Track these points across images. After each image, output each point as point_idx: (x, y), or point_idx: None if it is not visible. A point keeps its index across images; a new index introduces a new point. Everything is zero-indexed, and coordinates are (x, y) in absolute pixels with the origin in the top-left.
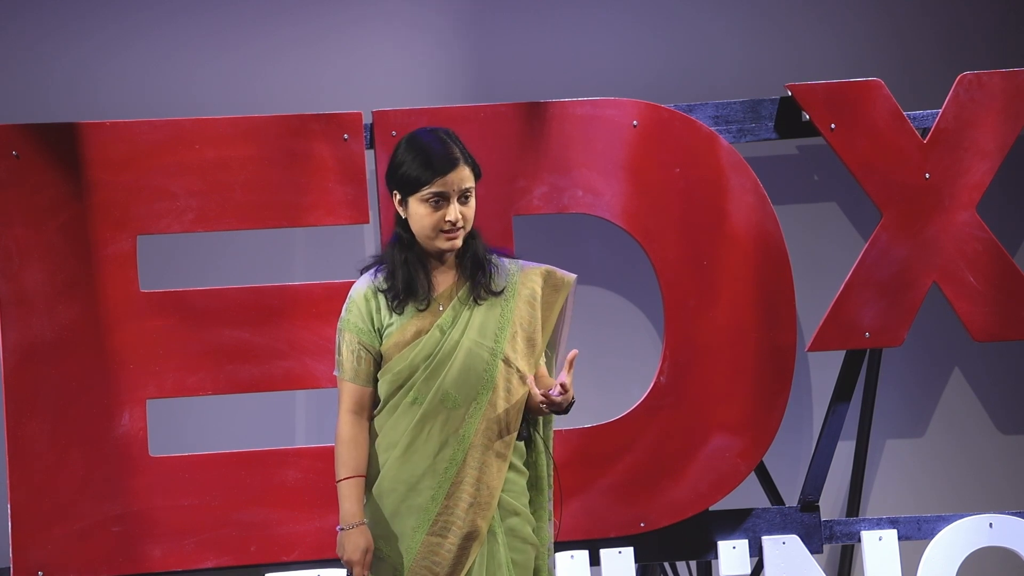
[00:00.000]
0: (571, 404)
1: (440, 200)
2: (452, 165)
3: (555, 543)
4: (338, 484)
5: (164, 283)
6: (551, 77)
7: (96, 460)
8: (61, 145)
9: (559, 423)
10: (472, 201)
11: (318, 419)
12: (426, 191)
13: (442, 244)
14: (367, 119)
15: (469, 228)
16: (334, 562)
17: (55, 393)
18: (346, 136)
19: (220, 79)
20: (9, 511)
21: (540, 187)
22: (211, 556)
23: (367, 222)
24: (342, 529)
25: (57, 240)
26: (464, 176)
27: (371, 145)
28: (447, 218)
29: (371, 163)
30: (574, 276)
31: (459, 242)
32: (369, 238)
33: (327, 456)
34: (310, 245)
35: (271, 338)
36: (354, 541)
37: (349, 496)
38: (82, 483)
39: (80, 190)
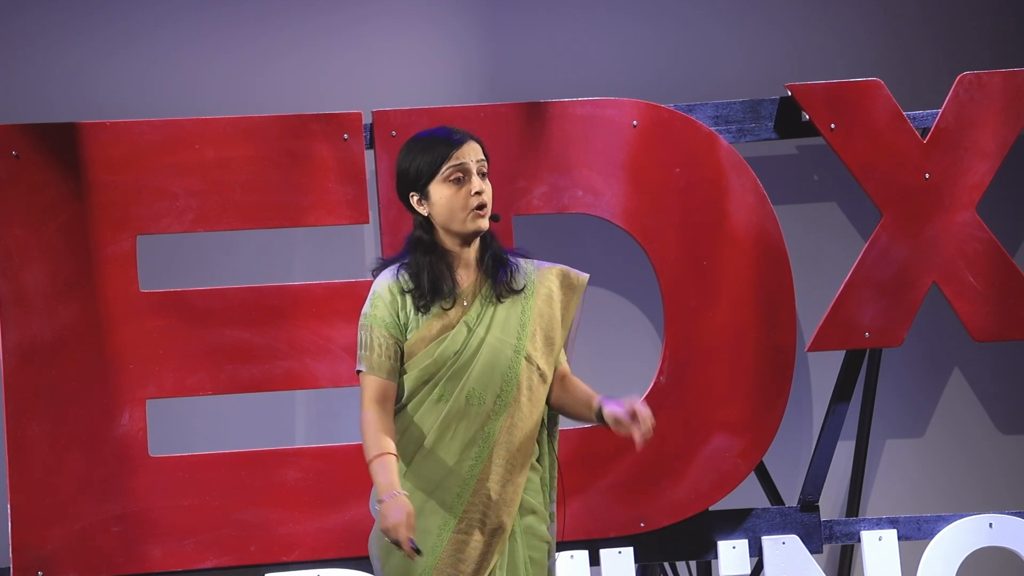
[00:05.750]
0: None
1: (462, 174)
2: (463, 139)
3: (556, 543)
4: (370, 463)
5: (164, 283)
6: (551, 77)
7: (96, 460)
8: (61, 145)
9: (560, 423)
10: (488, 181)
11: (318, 419)
12: (446, 168)
13: (471, 225)
14: (367, 119)
15: (491, 208)
16: (334, 562)
17: (55, 393)
18: (346, 136)
19: (220, 79)
20: (9, 511)
21: (540, 187)
22: (211, 556)
23: (367, 222)
24: (382, 502)
25: (57, 240)
26: (477, 149)
27: (371, 145)
28: (473, 190)
29: (371, 163)
30: (587, 276)
31: (486, 222)
32: (369, 238)
33: (327, 456)
34: (310, 245)
35: (271, 338)
36: (395, 506)
37: (383, 470)
38: (82, 483)
39: (80, 190)
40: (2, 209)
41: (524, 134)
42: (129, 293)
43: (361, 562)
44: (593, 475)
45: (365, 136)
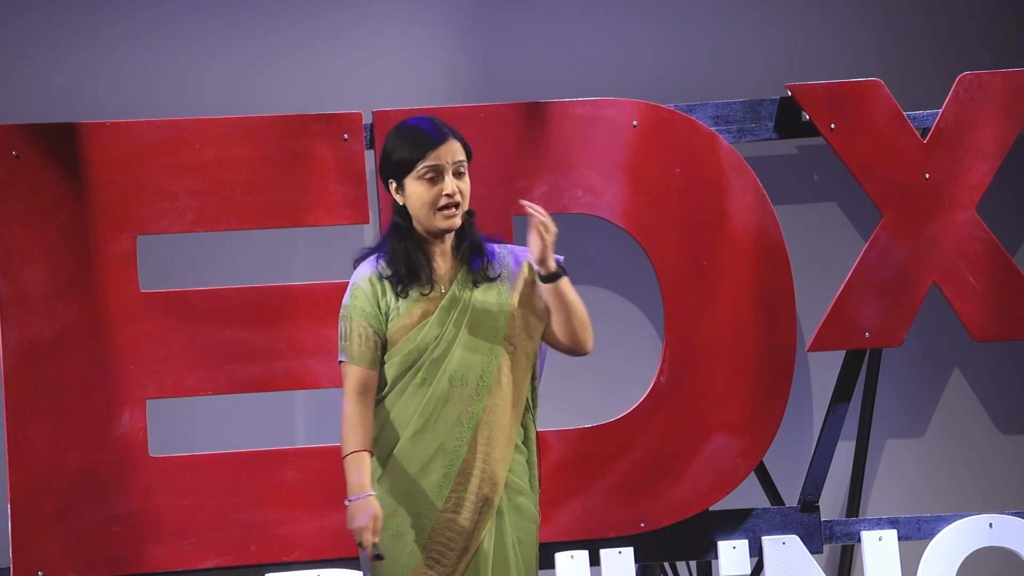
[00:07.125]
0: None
1: (435, 175)
2: (442, 139)
3: (557, 543)
4: (344, 459)
5: (164, 283)
6: (551, 77)
7: (96, 460)
8: (61, 145)
9: (560, 423)
10: (467, 178)
11: (318, 419)
12: (421, 167)
13: (441, 223)
14: (367, 119)
15: (466, 206)
16: (334, 562)
17: (55, 393)
18: (346, 136)
19: (220, 79)
20: (9, 511)
21: (540, 187)
22: (211, 556)
23: (367, 222)
24: (350, 501)
25: (57, 240)
26: (455, 149)
27: (371, 145)
28: (444, 191)
29: (371, 163)
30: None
31: (458, 220)
32: (369, 238)
33: (327, 456)
34: (310, 245)
35: (271, 338)
36: (362, 509)
37: (356, 469)
38: (82, 483)
39: (80, 190)
40: (2, 209)
41: (524, 134)
42: (129, 293)
43: None
44: (593, 475)
45: (365, 136)
